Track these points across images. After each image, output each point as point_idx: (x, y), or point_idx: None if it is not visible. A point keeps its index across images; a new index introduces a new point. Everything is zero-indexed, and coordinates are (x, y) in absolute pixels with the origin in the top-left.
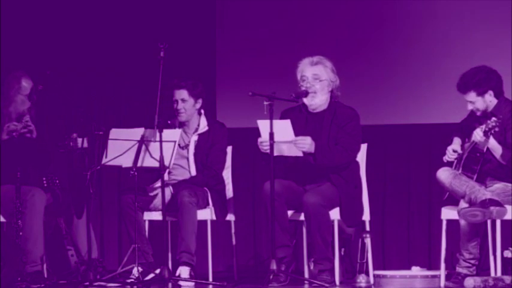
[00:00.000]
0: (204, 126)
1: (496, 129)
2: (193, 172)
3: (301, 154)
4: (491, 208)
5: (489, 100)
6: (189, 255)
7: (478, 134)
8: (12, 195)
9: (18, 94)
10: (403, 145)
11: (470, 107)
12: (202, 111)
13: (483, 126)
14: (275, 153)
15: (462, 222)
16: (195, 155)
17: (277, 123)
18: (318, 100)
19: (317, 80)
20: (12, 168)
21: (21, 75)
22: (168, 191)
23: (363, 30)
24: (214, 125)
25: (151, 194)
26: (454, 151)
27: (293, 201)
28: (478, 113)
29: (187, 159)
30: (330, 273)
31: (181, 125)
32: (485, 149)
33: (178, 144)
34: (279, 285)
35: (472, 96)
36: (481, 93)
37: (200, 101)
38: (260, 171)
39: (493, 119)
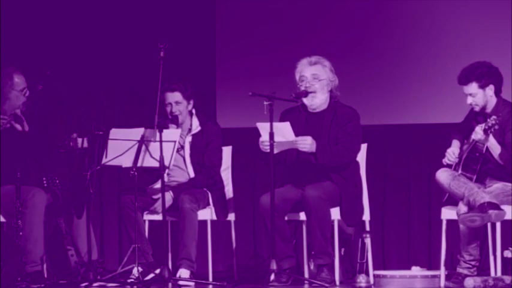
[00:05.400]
0: (196, 126)
1: (496, 127)
2: (191, 172)
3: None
4: (490, 212)
5: (489, 95)
6: (190, 262)
7: (478, 132)
8: (12, 195)
9: (12, 90)
10: (403, 145)
11: (469, 100)
12: (194, 111)
13: (483, 125)
14: (276, 151)
15: (462, 225)
16: (191, 155)
17: (276, 125)
18: (318, 100)
19: (316, 80)
20: (8, 166)
21: (13, 71)
22: (169, 196)
23: (362, 29)
24: (207, 123)
25: (154, 197)
26: (453, 154)
27: (292, 210)
28: (477, 109)
29: (184, 160)
30: (329, 270)
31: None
32: (484, 149)
33: None
34: (280, 285)
35: (473, 87)
36: (482, 85)
37: (192, 102)
38: (260, 171)
39: (493, 117)
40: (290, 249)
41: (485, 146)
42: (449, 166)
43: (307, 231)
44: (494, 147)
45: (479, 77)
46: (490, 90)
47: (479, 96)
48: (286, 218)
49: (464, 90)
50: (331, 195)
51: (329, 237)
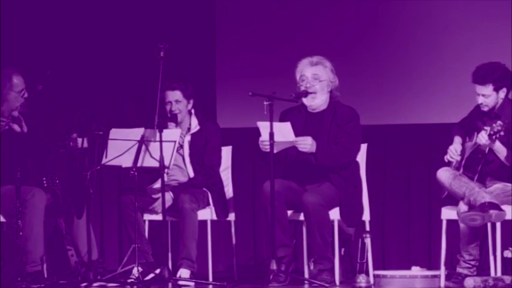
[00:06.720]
0: (195, 125)
1: (501, 133)
2: (191, 172)
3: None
4: (491, 212)
5: (501, 97)
6: (190, 262)
7: (483, 137)
8: (12, 195)
9: (11, 92)
10: (403, 145)
11: (480, 100)
12: (193, 111)
13: (488, 129)
14: (275, 150)
15: (462, 224)
16: (190, 155)
17: (277, 125)
18: (318, 101)
19: (316, 80)
20: (8, 166)
21: (12, 73)
22: (169, 197)
23: (362, 29)
24: (206, 123)
25: (154, 196)
26: (455, 151)
27: (293, 201)
28: (486, 109)
29: (184, 159)
30: (330, 273)
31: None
32: (487, 150)
33: None
34: (279, 285)
35: (488, 89)
36: (497, 88)
37: (191, 101)
38: (260, 171)
39: (499, 122)
40: (287, 237)
41: (488, 148)
42: (450, 163)
43: (308, 236)
44: (500, 149)
45: (497, 80)
46: (503, 93)
47: (491, 98)
48: (288, 215)
49: (477, 90)
50: (330, 199)
51: (329, 242)
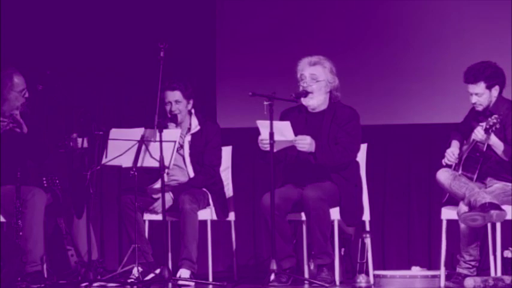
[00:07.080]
0: (195, 125)
1: (497, 126)
2: (191, 172)
3: None
4: (491, 212)
5: (494, 95)
6: (191, 263)
7: (479, 133)
8: (12, 195)
9: (12, 91)
10: (403, 145)
11: (474, 99)
12: (193, 110)
13: (483, 124)
14: (275, 150)
15: (462, 225)
16: (191, 155)
17: (276, 124)
18: (314, 101)
19: (314, 81)
20: (8, 166)
21: (13, 72)
22: (169, 197)
23: (362, 29)
24: (206, 123)
25: (155, 196)
26: (453, 154)
27: (293, 209)
28: (480, 109)
29: (184, 159)
30: (330, 270)
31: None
32: (484, 148)
33: None
34: (280, 285)
35: (480, 87)
36: (489, 86)
37: (191, 101)
38: (260, 171)
39: (494, 116)
40: (290, 248)
41: (486, 145)
42: (448, 166)
43: (307, 231)
44: (496, 144)
45: (488, 78)
46: (496, 91)
47: (485, 96)
48: (287, 218)
49: (470, 89)
50: (330, 196)
51: (329, 237)
